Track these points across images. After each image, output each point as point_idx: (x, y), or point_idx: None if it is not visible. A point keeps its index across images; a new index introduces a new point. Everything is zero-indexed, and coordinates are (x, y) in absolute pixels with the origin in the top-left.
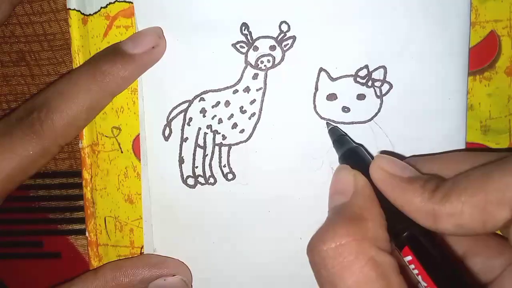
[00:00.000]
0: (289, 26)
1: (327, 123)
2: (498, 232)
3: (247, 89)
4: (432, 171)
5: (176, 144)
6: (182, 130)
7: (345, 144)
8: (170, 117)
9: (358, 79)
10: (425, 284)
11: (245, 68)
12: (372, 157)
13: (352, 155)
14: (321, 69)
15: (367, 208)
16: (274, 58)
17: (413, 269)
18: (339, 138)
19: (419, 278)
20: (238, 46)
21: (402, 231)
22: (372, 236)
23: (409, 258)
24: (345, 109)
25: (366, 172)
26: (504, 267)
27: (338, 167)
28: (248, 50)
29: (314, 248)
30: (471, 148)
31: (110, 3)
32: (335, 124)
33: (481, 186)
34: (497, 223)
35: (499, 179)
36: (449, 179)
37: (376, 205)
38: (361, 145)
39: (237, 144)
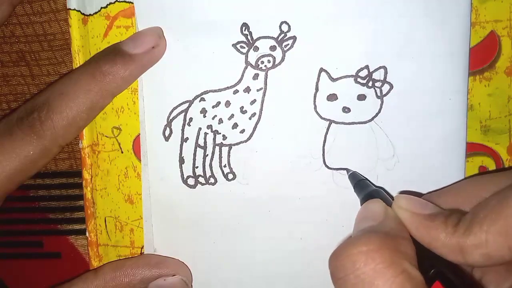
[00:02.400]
0: (289, 27)
1: (347, 169)
2: None
3: (247, 89)
4: (448, 205)
5: (177, 144)
6: (183, 130)
7: (366, 187)
8: (171, 117)
9: (358, 79)
10: None
11: (246, 68)
12: (393, 198)
13: (375, 197)
14: (321, 70)
15: (399, 229)
16: (274, 58)
17: None
18: (359, 182)
19: None
20: (238, 46)
21: (429, 269)
22: (404, 251)
23: None
24: (346, 110)
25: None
26: None
27: (368, 201)
28: (248, 50)
29: (343, 253)
30: (481, 173)
31: (111, 3)
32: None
33: (500, 212)
34: None
35: None
36: (469, 212)
37: (406, 230)
38: (382, 188)
39: (237, 144)
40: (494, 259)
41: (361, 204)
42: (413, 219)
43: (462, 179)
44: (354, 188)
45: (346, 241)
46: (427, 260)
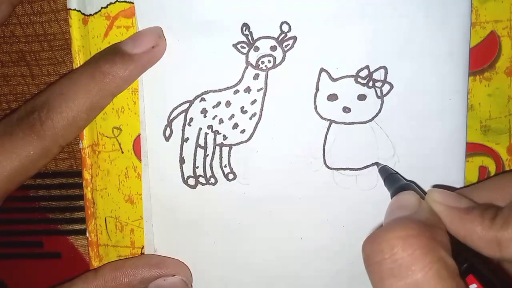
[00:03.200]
0: (290, 27)
1: (377, 163)
2: None
3: (248, 90)
4: (482, 200)
5: (177, 144)
6: (183, 130)
7: (397, 181)
8: (171, 117)
9: (359, 79)
10: None
11: (246, 68)
12: (425, 193)
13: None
14: (322, 70)
15: (434, 220)
16: (275, 58)
17: None
18: (390, 176)
19: None
20: (239, 46)
21: (463, 262)
22: (440, 240)
23: (473, 286)
24: (346, 110)
25: None
26: None
27: (401, 192)
28: (249, 51)
29: (380, 237)
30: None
31: (111, 3)
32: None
33: None
34: None
35: None
36: (507, 205)
37: (441, 221)
38: (413, 181)
39: (238, 144)
40: None
41: (392, 198)
42: (448, 212)
43: (494, 175)
44: (384, 182)
45: (383, 227)
46: (460, 254)
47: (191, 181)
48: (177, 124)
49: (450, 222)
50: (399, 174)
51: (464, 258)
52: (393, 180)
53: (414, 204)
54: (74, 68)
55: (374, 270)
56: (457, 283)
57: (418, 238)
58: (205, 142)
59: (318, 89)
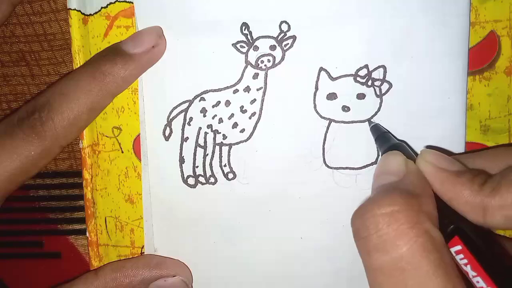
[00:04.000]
0: (289, 26)
1: (369, 121)
2: None
3: (247, 89)
4: (475, 166)
5: (177, 144)
6: (183, 130)
7: (388, 140)
8: (171, 117)
9: (358, 78)
10: (475, 274)
11: (246, 67)
12: (417, 154)
13: (397, 150)
14: (321, 69)
15: (421, 186)
16: (274, 57)
17: (462, 259)
18: (382, 134)
19: (468, 268)
20: (238, 45)
21: (448, 225)
22: (427, 211)
23: (457, 248)
24: (345, 108)
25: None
26: None
27: (387, 153)
28: (248, 50)
29: (367, 212)
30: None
31: (111, 3)
32: (377, 122)
33: None
34: None
35: None
36: (498, 173)
37: (429, 186)
38: (405, 142)
39: (237, 143)
40: None
41: None
42: (439, 174)
43: (493, 146)
44: (375, 141)
45: (370, 200)
46: (447, 216)
47: (191, 181)
48: (177, 123)
49: (440, 184)
50: (391, 133)
51: (451, 220)
52: (385, 140)
53: (401, 168)
54: (74, 68)
55: (361, 245)
56: (442, 255)
57: (404, 213)
58: (205, 142)
59: (317, 88)
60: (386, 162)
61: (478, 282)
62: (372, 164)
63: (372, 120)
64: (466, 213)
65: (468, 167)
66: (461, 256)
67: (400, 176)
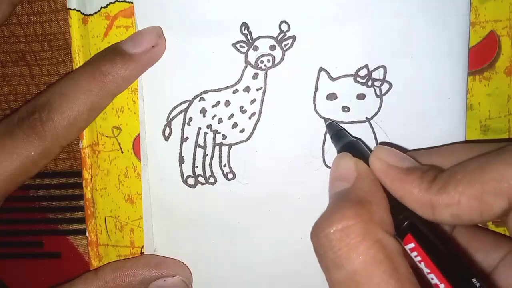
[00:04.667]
0: (289, 26)
1: (324, 118)
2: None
3: (247, 89)
4: (432, 163)
5: (176, 144)
6: (182, 130)
7: (343, 137)
8: (170, 117)
9: (358, 78)
10: (428, 270)
11: (245, 67)
12: (371, 151)
13: (351, 148)
14: (321, 69)
15: (372, 192)
16: (274, 57)
17: (416, 256)
18: (337, 132)
19: (422, 265)
20: (238, 46)
21: (403, 221)
22: (378, 219)
23: (411, 245)
24: (345, 109)
25: (366, 164)
26: (500, 259)
27: (338, 155)
28: (248, 50)
29: (320, 231)
30: (471, 140)
31: (110, 3)
32: (332, 119)
33: (478, 176)
34: (494, 212)
35: (495, 169)
36: (447, 170)
37: (380, 190)
38: (360, 139)
39: (237, 143)
40: (463, 220)
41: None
42: (390, 171)
43: (452, 143)
44: (331, 138)
45: (323, 216)
46: (402, 213)
47: (191, 181)
48: (177, 123)
49: (390, 182)
50: (347, 131)
51: (406, 216)
52: (339, 138)
53: (351, 172)
54: (74, 68)
55: (321, 262)
56: (394, 263)
57: (354, 227)
58: (205, 142)
59: (317, 88)
60: (337, 165)
61: (432, 279)
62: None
63: (327, 118)
64: (416, 210)
65: (421, 164)
66: (415, 253)
67: (351, 181)
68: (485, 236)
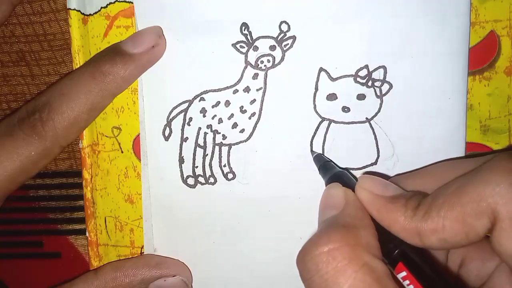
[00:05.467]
0: (289, 26)
1: (311, 151)
2: None
3: (247, 89)
4: (416, 187)
5: (176, 144)
6: (182, 130)
7: (330, 169)
8: (170, 117)
9: (358, 79)
10: None
11: (245, 68)
12: (357, 180)
13: (338, 180)
14: (321, 69)
15: (358, 217)
16: (274, 58)
17: (408, 285)
18: (324, 164)
19: None
20: (238, 46)
21: (394, 249)
22: (365, 243)
23: (403, 274)
24: (345, 109)
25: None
26: (496, 267)
27: (328, 186)
28: (248, 50)
29: (306, 254)
30: (452, 158)
31: (110, 3)
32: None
33: (457, 199)
34: (478, 232)
35: (473, 190)
36: (430, 195)
37: (367, 216)
38: (346, 169)
39: (237, 143)
40: (451, 244)
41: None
42: (375, 201)
43: (434, 163)
44: (319, 171)
45: (310, 240)
46: (392, 241)
47: (191, 181)
48: (177, 123)
49: (377, 211)
50: (333, 162)
51: (396, 244)
52: (327, 169)
53: (340, 200)
54: (74, 68)
55: (307, 286)
56: (383, 286)
57: (340, 250)
58: (205, 142)
59: (317, 88)
60: (326, 195)
61: None
62: (372, 164)
63: (314, 150)
64: (404, 238)
65: (406, 189)
66: (408, 282)
67: (340, 208)
68: (481, 245)
